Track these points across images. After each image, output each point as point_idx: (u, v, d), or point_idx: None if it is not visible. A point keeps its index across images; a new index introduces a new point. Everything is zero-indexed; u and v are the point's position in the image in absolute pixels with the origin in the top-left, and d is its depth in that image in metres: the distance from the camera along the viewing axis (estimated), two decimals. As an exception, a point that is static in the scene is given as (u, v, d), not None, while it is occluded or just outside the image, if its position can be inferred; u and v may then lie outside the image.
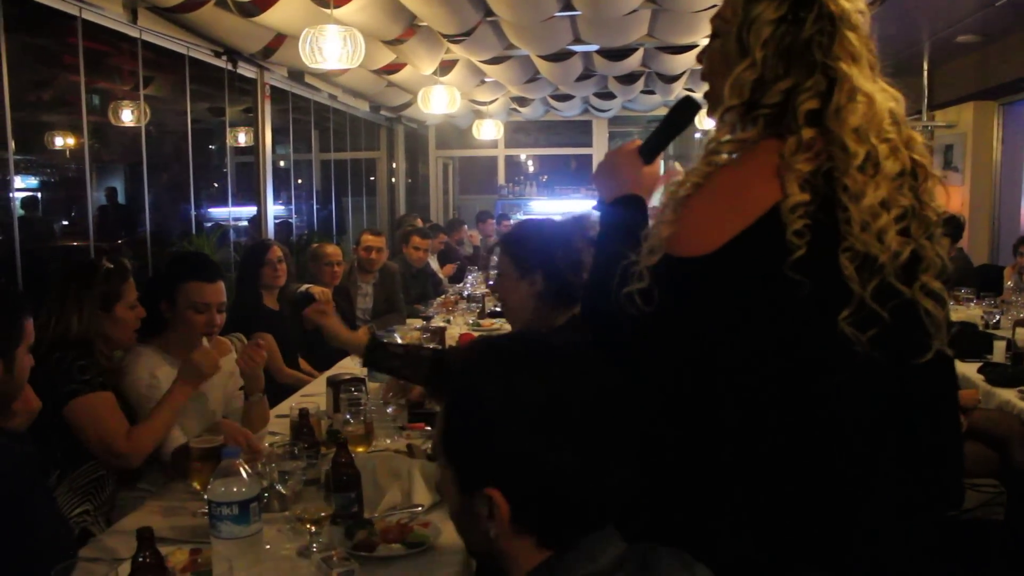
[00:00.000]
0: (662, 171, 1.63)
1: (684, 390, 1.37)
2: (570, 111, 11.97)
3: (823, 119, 1.31)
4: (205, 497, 1.98)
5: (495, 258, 2.52)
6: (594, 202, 1.65)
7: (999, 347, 4.09)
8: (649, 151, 1.61)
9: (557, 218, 2.46)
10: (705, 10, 5.81)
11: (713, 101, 1.45)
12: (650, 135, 1.62)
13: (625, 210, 1.54)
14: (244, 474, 1.77)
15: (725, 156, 1.37)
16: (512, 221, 11.46)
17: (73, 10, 4.71)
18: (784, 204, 1.26)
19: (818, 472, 1.31)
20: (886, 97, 1.35)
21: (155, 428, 2.54)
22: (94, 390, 2.49)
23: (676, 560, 1.10)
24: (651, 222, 1.44)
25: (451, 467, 1.10)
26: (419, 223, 8.33)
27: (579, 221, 2.34)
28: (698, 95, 1.55)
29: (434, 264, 7.85)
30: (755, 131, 1.36)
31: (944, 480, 1.42)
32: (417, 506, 2.22)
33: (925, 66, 7.75)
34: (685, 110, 1.59)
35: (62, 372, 2.47)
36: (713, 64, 1.46)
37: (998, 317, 4.88)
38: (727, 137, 1.38)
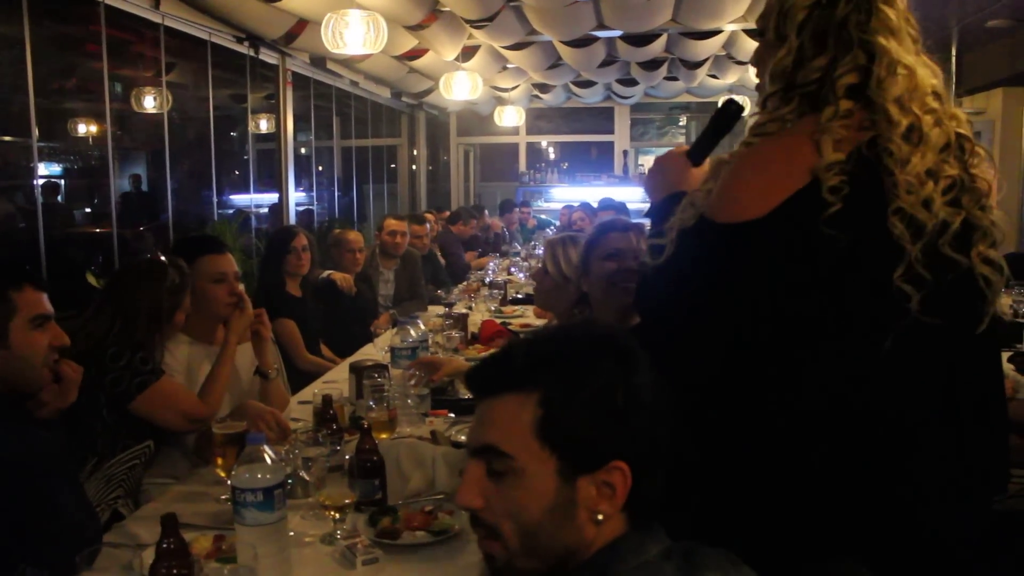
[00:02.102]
0: None
1: (731, 364, 1.37)
2: (592, 98, 11.91)
3: (864, 92, 1.34)
4: (229, 483, 1.97)
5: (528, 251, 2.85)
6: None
7: (1030, 336, 4.02)
8: (697, 154, 1.66)
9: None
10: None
11: (761, 93, 1.50)
12: (697, 138, 1.68)
13: (674, 205, 1.54)
14: (268, 460, 1.75)
15: (763, 137, 1.40)
16: (531, 208, 11.45)
17: (96, -5, 4.72)
18: (820, 163, 1.29)
19: (864, 452, 1.30)
20: (928, 72, 1.37)
21: (220, 383, 2.69)
22: (158, 377, 2.55)
23: (722, 557, 1.08)
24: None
25: (556, 455, 1.07)
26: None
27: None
28: (741, 97, 1.60)
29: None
30: (790, 108, 1.39)
31: (990, 459, 1.40)
32: (441, 493, 2.20)
33: (953, 51, 7.62)
34: (729, 112, 1.64)
35: (124, 366, 2.49)
36: (761, 60, 1.50)
37: (1028, 306, 4.79)
38: (767, 118, 1.41)
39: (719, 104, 1.69)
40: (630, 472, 1.07)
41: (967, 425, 1.35)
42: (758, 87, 1.52)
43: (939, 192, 1.29)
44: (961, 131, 1.37)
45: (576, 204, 9.03)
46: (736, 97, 1.69)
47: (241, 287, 2.93)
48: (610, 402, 1.08)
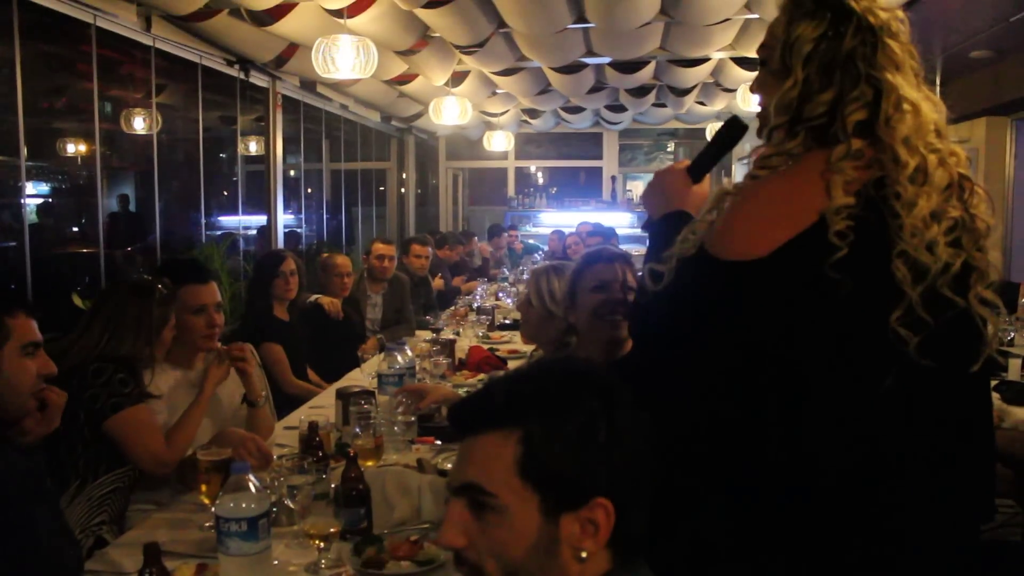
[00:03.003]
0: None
1: (727, 398, 1.37)
2: (581, 123, 11.96)
3: (873, 129, 1.33)
4: (212, 511, 1.95)
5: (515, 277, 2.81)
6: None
7: (1014, 365, 4.04)
8: (697, 171, 1.64)
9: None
10: (718, 23, 5.80)
11: (765, 121, 1.48)
12: (698, 155, 1.66)
13: (674, 225, 1.54)
14: (253, 490, 1.74)
15: (769, 171, 1.39)
16: (520, 232, 11.46)
17: (88, 18, 4.72)
18: (828, 206, 1.28)
19: (856, 486, 1.30)
20: (931, 107, 1.38)
21: (188, 431, 2.62)
22: (135, 403, 2.50)
23: None
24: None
25: (538, 493, 1.06)
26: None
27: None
28: (745, 110, 1.59)
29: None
30: (797, 142, 1.38)
31: (976, 491, 1.41)
32: (427, 522, 2.19)
33: (938, 81, 7.71)
34: (732, 130, 1.63)
35: (103, 384, 2.46)
36: (763, 89, 1.49)
37: (1013, 335, 4.83)
38: (772, 151, 1.41)
39: (723, 121, 1.68)
40: (613, 509, 1.07)
41: (956, 456, 1.36)
42: (760, 116, 1.51)
43: (942, 234, 1.30)
44: (962, 171, 1.38)
45: (571, 230, 9.00)
46: (739, 116, 1.68)
47: (221, 317, 2.92)
48: (592, 439, 1.07)
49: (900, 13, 1.41)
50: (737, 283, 1.33)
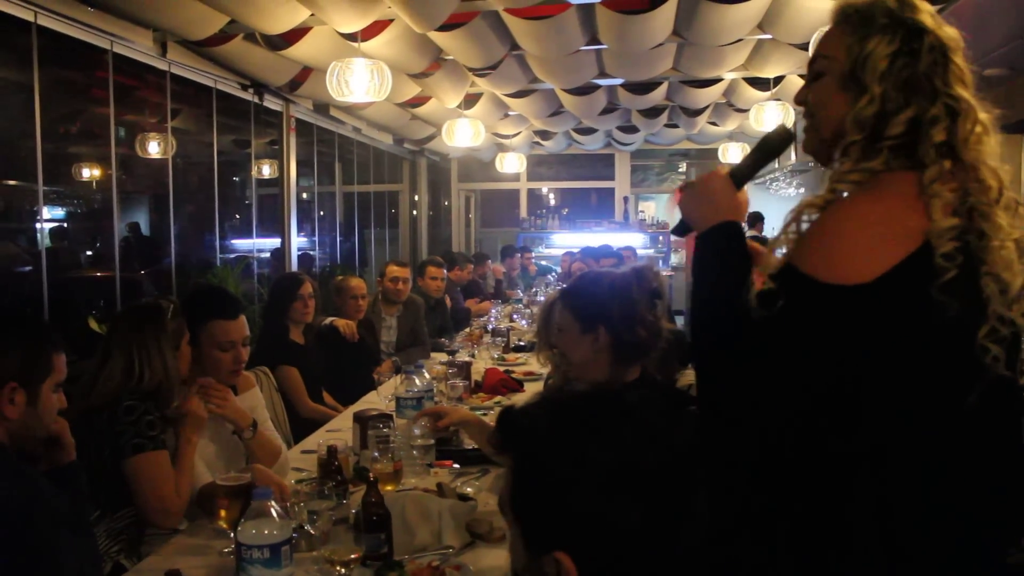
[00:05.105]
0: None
1: (811, 419, 1.34)
2: (592, 145, 11.98)
3: (953, 149, 1.34)
4: (232, 536, 1.94)
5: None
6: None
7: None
8: (740, 178, 1.59)
9: (616, 271, 2.38)
10: (731, 44, 5.80)
11: (817, 134, 1.48)
12: (742, 161, 1.63)
13: (728, 237, 1.51)
14: (276, 516, 1.73)
15: (849, 186, 1.39)
16: (533, 253, 11.46)
17: (105, 43, 4.76)
18: (932, 228, 1.28)
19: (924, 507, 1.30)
20: (993, 126, 1.39)
21: (188, 479, 2.50)
22: (157, 448, 2.44)
23: None
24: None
25: (519, 526, 1.04)
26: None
27: (639, 273, 2.29)
28: (757, 131, 1.57)
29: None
30: (879, 160, 1.37)
31: (1010, 509, 1.39)
32: (448, 547, 2.17)
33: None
34: (780, 139, 1.60)
35: (131, 422, 2.42)
36: (821, 99, 1.48)
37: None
38: (851, 167, 1.39)
39: (771, 130, 1.65)
40: (574, 565, 1.02)
41: (1006, 473, 1.36)
42: (811, 128, 1.50)
43: (1016, 252, 1.32)
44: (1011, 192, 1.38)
45: (577, 251, 8.98)
46: (788, 126, 1.66)
47: (247, 352, 2.90)
48: (567, 494, 1.03)
49: (957, 31, 1.41)
50: (842, 306, 1.30)
